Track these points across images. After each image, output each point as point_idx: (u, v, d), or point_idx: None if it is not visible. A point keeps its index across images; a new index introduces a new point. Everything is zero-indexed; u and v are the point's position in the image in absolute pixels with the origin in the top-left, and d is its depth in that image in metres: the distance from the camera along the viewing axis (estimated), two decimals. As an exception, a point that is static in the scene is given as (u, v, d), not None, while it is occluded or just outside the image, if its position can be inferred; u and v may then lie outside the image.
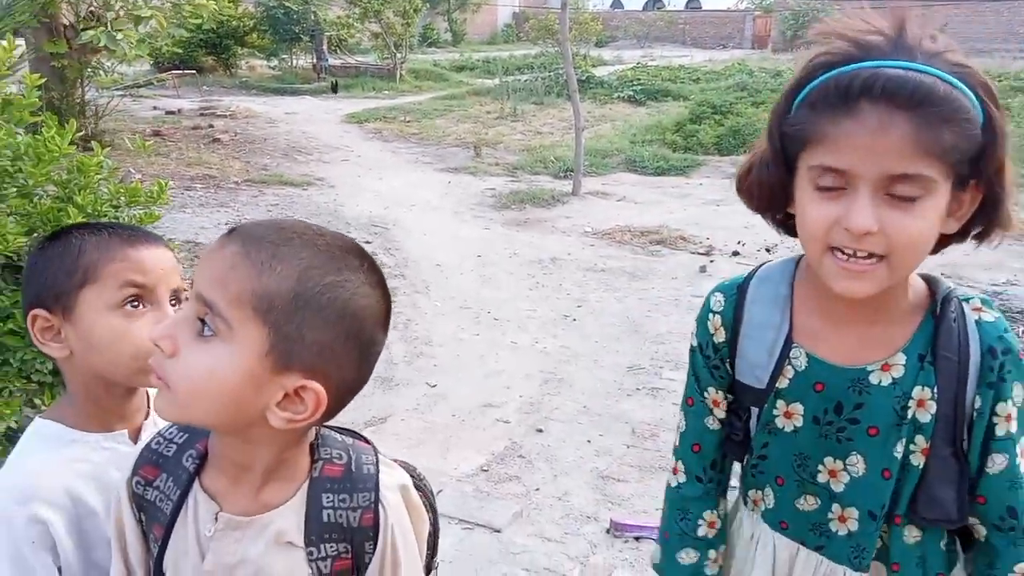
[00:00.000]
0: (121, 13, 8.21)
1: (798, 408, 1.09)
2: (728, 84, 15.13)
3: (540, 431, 3.60)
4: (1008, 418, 1.01)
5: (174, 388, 0.83)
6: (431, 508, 1.19)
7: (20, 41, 6.92)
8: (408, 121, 13.05)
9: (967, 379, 1.00)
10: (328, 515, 0.92)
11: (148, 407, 1.21)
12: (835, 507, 1.10)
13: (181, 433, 0.97)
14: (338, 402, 0.88)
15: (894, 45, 0.91)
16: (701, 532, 1.21)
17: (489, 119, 13.42)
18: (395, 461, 1.18)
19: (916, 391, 1.02)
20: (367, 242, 6.36)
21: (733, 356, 1.13)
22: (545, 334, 4.78)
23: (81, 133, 3.05)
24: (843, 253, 0.94)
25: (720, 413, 1.17)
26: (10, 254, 2.82)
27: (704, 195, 8.40)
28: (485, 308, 5.19)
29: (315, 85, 17.69)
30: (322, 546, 0.91)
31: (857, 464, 1.07)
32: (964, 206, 0.96)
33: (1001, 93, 0.97)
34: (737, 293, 1.13)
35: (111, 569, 1.00)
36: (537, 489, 3.12)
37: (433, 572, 1.20)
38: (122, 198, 3.25)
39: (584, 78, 15.10)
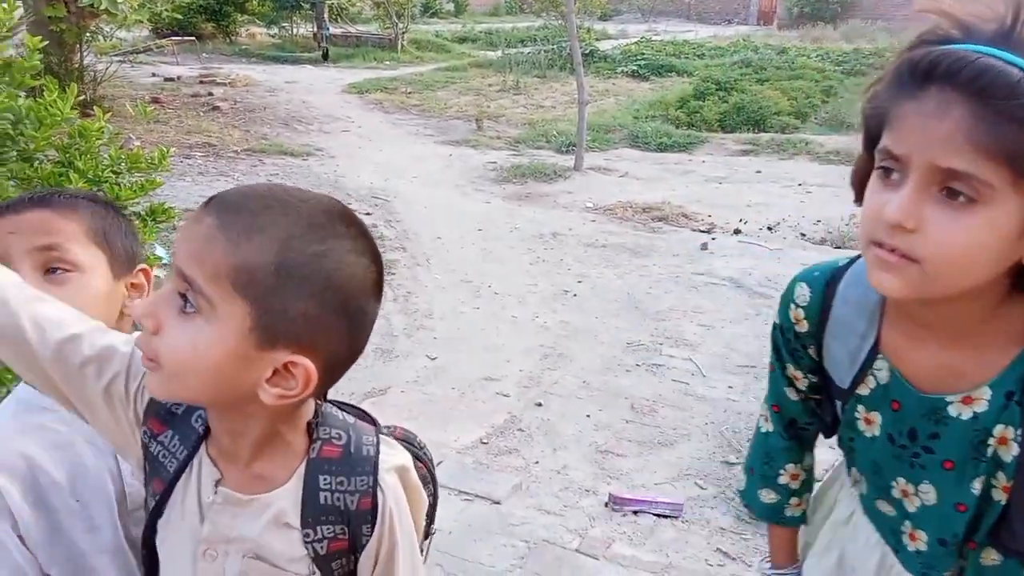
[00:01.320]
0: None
1: (876, 417, 1.04)
2: (733, 60, 15.04)
3: (539, 405, 3.61)
4: None
5: (162, 365, 0.81)
6: (431, 477, 1.19)
7: (18, 3, 6.81)
8: (409, 92, 12.93)
9: None
10: (325, 497, 0.89)
11: None
12: (907, 523, 1.06)
13: None
14: (330, 376, 0.86)
15: (1000, 32, 0.81)
16: (782, 480, 1.25)
17: (491, 92, 13.32)
18: (397, 428, 1.17)
19: (998, 429, 0.94)
20: (367, 214, 6.33)
21: (820, 344, 1.08)
22: (545, 309, 4.78)
23: (80, 98, 3.01)
24: (880, 247, 0.86)
25: (801, 386, 1.15)
26: (10, 219, 2.79)
27: (707, 172, 8.36)
28: (485, 282, 5.18)
29: (315, 54, 17.50)
30: (318, 528, 0.89)
31: (929, 493, 1.01)
32: None
33: None
34: (825, 288, 1.06)
35: None
36: (536, 462, 3.13)
37: (428, 540, 1.20)
38: (123, 164, 3.23)
39: (588, 52, 14.97)
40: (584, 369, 3.99)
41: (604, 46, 17.74)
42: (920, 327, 0.96)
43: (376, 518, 0.91)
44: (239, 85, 12.45)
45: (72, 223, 1.07)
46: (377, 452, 0.92)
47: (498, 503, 2.82)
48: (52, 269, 1.06)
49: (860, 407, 1.05)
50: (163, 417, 0.93)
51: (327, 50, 17.24)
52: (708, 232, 6.30)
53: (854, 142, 9.39)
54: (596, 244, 5.98)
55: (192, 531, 0.90)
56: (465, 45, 20.40)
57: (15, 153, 2.85)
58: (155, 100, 10.25)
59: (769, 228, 6.42)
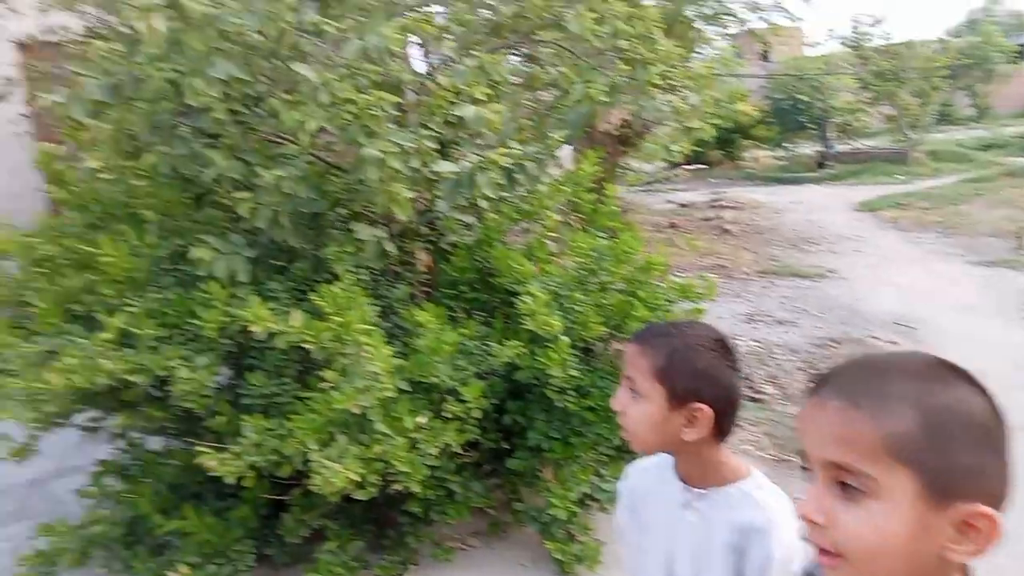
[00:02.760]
0: (676, 126, 9.16)
1: None
2: None
3: None
4: None
5: (850, 556, 0.83)
6: None
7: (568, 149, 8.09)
8: (927, 208, 11.93)
9: None
10: None
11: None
12: None
13: None
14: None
15: None
16: None
17: (1031, 204, 11.59)
18: None
19: None
20: (892, 343, 5.88)
21: None
22: None
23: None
24: None
25: None
26: (590, 340, 3.23)
27: None
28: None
29: (818, 173, 17.40)
30: None
31: None
32: None
33: None
34: None
35: None
36: None
37: None
38: (675, 293, 3.51)
39: None
40: None
41: None
42: None
43: None
44: (746, 207, 12.91)
45: (646, 360, 1.32)
46: None
47: None
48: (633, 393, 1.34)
49: None
50: None
51: (822, 161, 17.24)
52: None
53: None
54: None
55: None
56: (991, 152, 18.27)
57: (596, 284, 3.31)
58: (672, 225, 11.16)
59: None
